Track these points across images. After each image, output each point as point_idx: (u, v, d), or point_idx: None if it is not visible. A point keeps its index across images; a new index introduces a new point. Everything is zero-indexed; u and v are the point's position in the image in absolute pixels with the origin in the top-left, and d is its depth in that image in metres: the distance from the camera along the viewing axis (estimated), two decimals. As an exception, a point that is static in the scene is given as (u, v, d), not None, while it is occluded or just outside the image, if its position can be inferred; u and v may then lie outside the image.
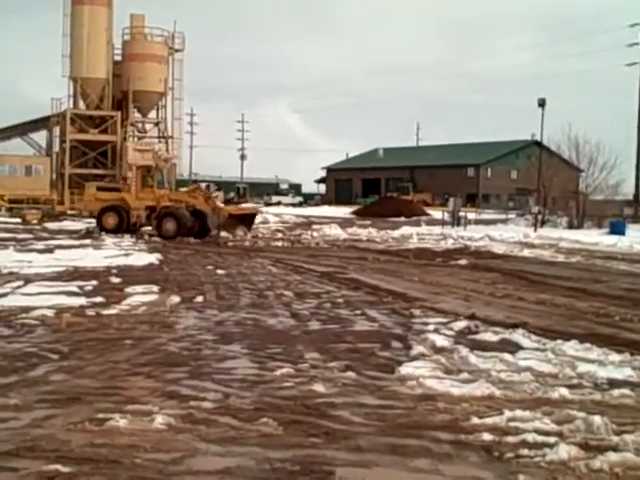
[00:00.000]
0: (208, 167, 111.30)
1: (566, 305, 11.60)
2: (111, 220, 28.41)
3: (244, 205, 37.15)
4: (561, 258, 20.96)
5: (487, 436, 5.18)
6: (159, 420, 5.37)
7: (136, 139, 52.63)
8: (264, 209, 53.27)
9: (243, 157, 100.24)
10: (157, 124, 53.79)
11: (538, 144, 43.51)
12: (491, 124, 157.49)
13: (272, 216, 43.25)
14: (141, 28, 52.08)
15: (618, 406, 6.08)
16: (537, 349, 8.10)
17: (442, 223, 37.39)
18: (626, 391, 6.43)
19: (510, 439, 5.14)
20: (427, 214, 54.43)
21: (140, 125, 54.18)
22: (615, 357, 7.70)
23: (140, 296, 11.74)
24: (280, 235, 29.96)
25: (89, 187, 32.37)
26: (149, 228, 28.50)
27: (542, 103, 35.58)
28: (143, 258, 18.40)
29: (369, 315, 10.46)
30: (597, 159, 39.53)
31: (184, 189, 35.07)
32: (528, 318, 10.18)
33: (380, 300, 11.97)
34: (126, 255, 19.15)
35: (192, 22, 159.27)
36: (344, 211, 58.85)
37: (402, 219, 46.29)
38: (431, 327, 9.32)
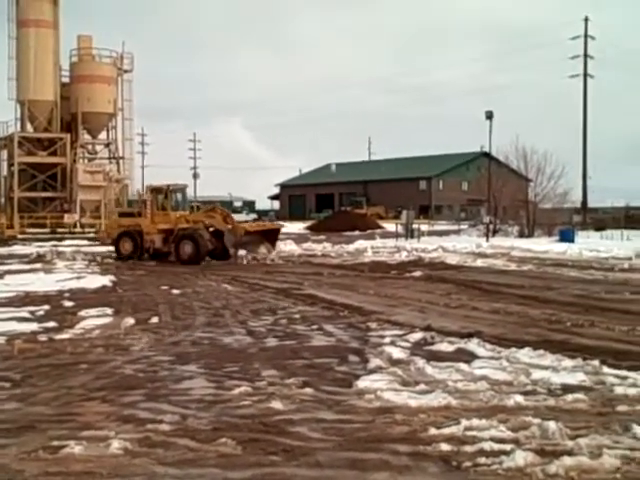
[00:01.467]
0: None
1: (519, 313, 11.77)
2: (127, 246, 27.15)
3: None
4: (513, 267, 21.25)
5: (445, 446, 5.23)
6: (115, 445, 5.29)
7: (86, 161, 52.06)
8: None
9: (196, 176, 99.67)
10: (107, 145, 53.32)
11: (487, 155, 44.12)
12: (443, 136, 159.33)
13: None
14: (89, 49, 51.67)
15: (572, 411, 6.18)
16: (492, 357, 8.21)
17: (396, 236, 37.59)
18: (579, 396, 6.55)
19: (468, 448, 5.19)
20: (381, 227, 54.70)
21: (90, 147, 53.64)
22: (568, 363, 7.83)
23: (94, 319, 11.58)
24: (235, 253, 29.78)
25: (112, 213, 31.27)
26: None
27: (490, 115, 36.13)
28: (96, 280, 18.13)
29: (326, 330, 10.47)
30: (545, 168, 40.38)
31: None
32: (483, 327, 10.31)
33: (336, 314, 12.00)
34: (78, 278, 18.86)
35: (141, 42, 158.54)
36: (298, 227, 58.79)
37: (356, 233, 46.53)
38: (387, 340, 9.38)
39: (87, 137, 52.59)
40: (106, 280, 18.22)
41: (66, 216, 46.59)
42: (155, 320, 11.52)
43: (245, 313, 12.27)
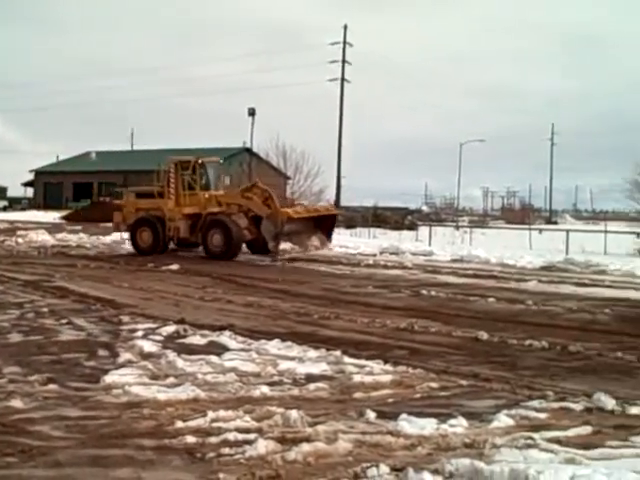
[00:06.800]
0: None
1: (271, 306, 12.17)
2: (145, 236, 22.39)
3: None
4: (268, 261, 21.74)
5: (190, 438, 5.28)
6: None
7: None
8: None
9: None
10: None
11: (249, 151, 44.94)
12: (208, 130, 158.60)
13: (-30, 222, 40.14)
14: None
15: (314, 399, 6.51)
16: (242, 350, 8.40)
17: (156, 228, 37.04)
18: (321, 384, 6.92)
19: (213, 439, 5.28)
20: (141, 219, 53.60)
21: None
22: (313, 353, 8.23)
23: None
24: (-22, 242, 27.71)
25: (128, 194, 25.15)
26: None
27: (252, 112, 36.93)
28: None
29: (76, 324, 10.11)
30: (303, 167, 42.13)
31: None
32: (235, 320, 10.53)
33: (88, 308, 11.64)
34: None
35: None
36: (54, 216, 56.05)
37: (115, 224, 45.16)
38: (140, 333, 9.28)
39: None
40: None
41: None
42: None
43: (-14, 307, 11.50)
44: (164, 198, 22.71)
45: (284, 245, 21.42)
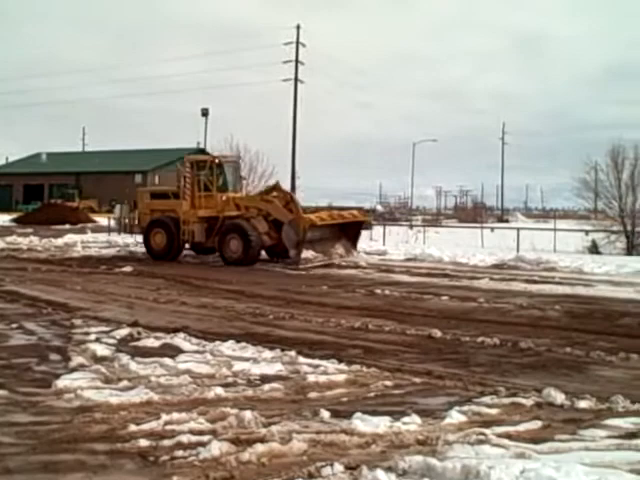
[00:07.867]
0: None
1: (226, 307, 12.13)
2: (159, 239, 21.20)
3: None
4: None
5: (144, 442, 5.24)
6: None
7: None
8: None
9: None
10: None
11: (203, 151, 44.69)
12: (161, 131, 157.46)
13: None
14: None
15: (268, 400, 6.52)
16: (197, 351, 8.37)
17: (108, 230, 36.65)
18: (276, 385, 6.93)
19: (166, 442, 5.25)
20: (93, 221, 53.02)
21: None
22: (268, 354, 8.24)
23: None
24: None
25: (142, 194, 23.49)
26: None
27: (205, 113, 36.79)
28: None
29: (27, 328, 9.95)
30: (257, 167, 41.97)
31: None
32: (190, 322, 10.48)
33: (39, 312, 11.44)
34: None
35: None
36: (4, 219, 54.96)
37: (67, 227, 44.56)
38: (92, 337, 9.17)
39: None
40: None
41: None
42: None
43: None
44: (179, 199, 21.77)
45: (306, 253, 19.92)
